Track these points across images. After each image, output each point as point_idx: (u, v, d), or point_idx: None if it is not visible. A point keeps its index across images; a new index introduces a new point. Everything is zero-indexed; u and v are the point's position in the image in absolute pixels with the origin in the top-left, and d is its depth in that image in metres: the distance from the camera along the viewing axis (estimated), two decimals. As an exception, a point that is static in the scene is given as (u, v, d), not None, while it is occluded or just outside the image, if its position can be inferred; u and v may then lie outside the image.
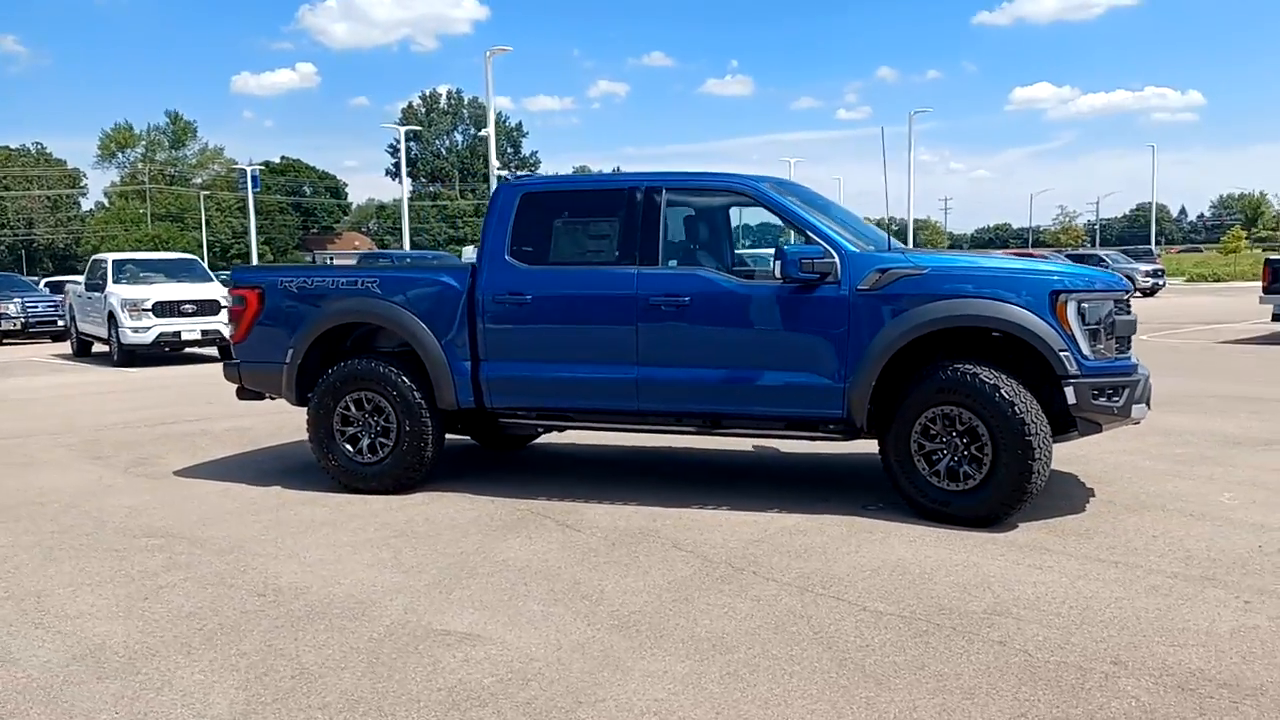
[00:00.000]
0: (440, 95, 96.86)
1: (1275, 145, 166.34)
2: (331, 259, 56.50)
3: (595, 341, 6.44)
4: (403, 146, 51.17)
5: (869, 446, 6.30)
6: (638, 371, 6.33)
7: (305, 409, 7.08)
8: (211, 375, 14.91)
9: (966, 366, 5.70)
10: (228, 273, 9.15)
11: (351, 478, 6.87)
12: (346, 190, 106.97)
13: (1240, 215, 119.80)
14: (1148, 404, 5.93)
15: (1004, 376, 5.64)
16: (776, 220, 6.42)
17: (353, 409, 6.91)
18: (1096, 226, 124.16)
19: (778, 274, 5.95)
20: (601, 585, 4.87)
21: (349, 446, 6.92)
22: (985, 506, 5.69)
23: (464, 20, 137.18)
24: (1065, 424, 5.81)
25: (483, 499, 6.64)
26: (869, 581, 4.83)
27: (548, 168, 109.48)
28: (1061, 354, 5.60)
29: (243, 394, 7.60)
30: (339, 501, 6.67)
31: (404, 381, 6.73)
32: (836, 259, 5.96)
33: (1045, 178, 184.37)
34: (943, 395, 5.76)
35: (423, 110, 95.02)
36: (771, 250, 7.13)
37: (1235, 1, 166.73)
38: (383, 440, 6.83)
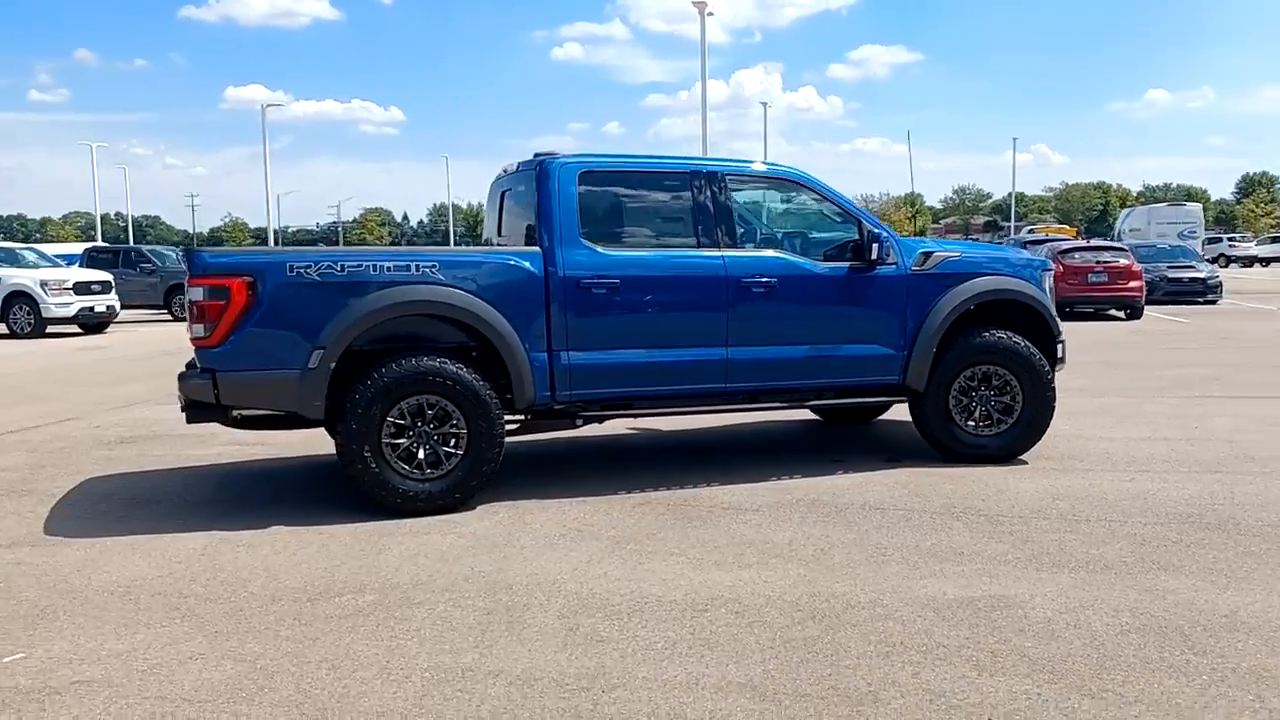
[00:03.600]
0: None
1: (466, 161, 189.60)
2: None
3: (688, 324, 6.39)
4: None
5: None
6: (727, 352, 6.45)
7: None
8: None
9: (998, 332, 6.96)
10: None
11: (408, 499, 5.82)
12: None
13: (463, 223, 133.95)
14: None
15: (1022, 339, 7.00)
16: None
17: (407, 418, 5.84)
18: (340, 227, 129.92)
19: (874, 256, 6.59)
20: (981, 548, 5.22)
21: (403, 463, 5.84)
22: (1018, 444, 7.01)
23: None
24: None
25: (574, 500, 6.15)
26: (1095, 506, 5.86)
27: None
28: (1054, 319, 7.16)
29: (199, 414, 5.84)
30: (428, 526, 5.66)
31: (477, 380, 5.92)
32: (892, 243, 6.80)
33: (270, 178, 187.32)
34: (981, 356, 6.93)
35: None
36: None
37: (429, 27, 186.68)
38: (448, 450, 5.91)
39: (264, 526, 5.71)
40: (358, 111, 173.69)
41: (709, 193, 6.45)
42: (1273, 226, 77.75)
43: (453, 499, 5.87)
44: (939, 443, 7.00)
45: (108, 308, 21.68)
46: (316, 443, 7.64)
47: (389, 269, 5.80)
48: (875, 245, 6.56)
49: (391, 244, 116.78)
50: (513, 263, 6.05)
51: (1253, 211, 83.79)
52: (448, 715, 3.36)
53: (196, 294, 5.59)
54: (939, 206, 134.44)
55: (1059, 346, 7.17)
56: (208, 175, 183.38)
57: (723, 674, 3.63)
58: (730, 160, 6.74)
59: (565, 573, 4.81)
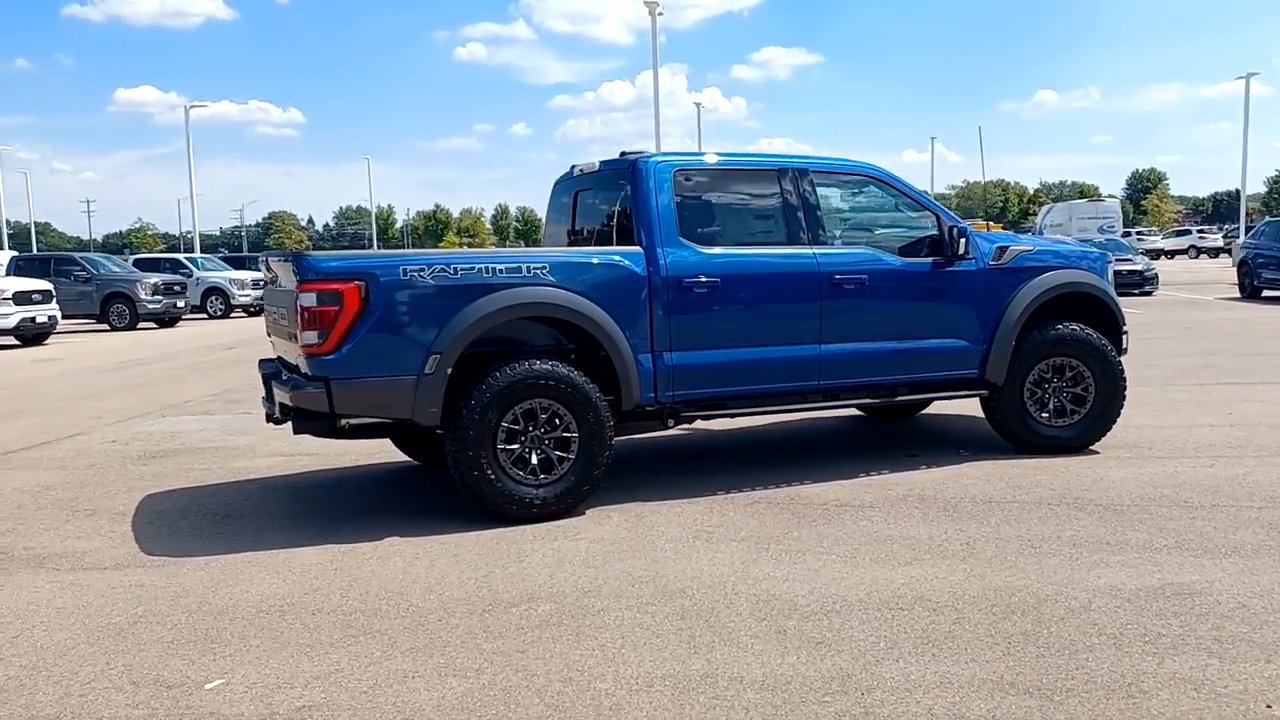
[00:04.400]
0: None
1: (366, 163, 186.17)
2: None
3: (784, 322, 6.38)
4: None
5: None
6: (820, 349, 6.45)
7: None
8: None
9: (1071, 324, 7.08)
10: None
11: (523, 505, 5.70)
12: None
13: (365, 225, 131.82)
14: None
15: (1093, 330, 7.15)
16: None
17: (521, 422, 5.72)
18: (244, 232, 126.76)
19: (960, 250, 6.66)
20: (1122, 537, 5.29)
21: (517, 469, 5.72)
22: (1090, 435, 7.15)
23: None
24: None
25: (680, 502, 6.09)
26: (1199, 493, 5.98)
27: None
28: (1119, 310, 7.32)
29: (306, 424, 5.64)
30: (548, 532, 5.55)
31: (589, 382, 5.83)
32: (971, 238, 6.87)
33: (161, 182, 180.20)
34: (1055, 348, 7.04)
35: None
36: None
37: (327, 28, 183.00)
38: (560, 454, 5.80)
39: (377, 538, 5.52)
40: (255, 113, 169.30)
41: (797, 189, 6.45)
42: (1176, 221, 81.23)
43: (566, 504, 5.77)
44: (1014, 435, 7.10)
45: (49, 318, 21.10)
46: (363, 453, 7.50)
47: (501, 271, 5.66)
48: (963, 240, 6.62)
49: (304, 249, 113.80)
50: (618, 262, 5.95)
51: (1157, 207, 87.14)
52: (720, 724, 3.28)
53: (309, 300, 5.38)
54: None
55: (1123, 337, 7.33)
56: (98, 180, 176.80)
57: (971, 672, 3.61)
58: (814, 157, 6.74)
59: (727, 574, 4.75)
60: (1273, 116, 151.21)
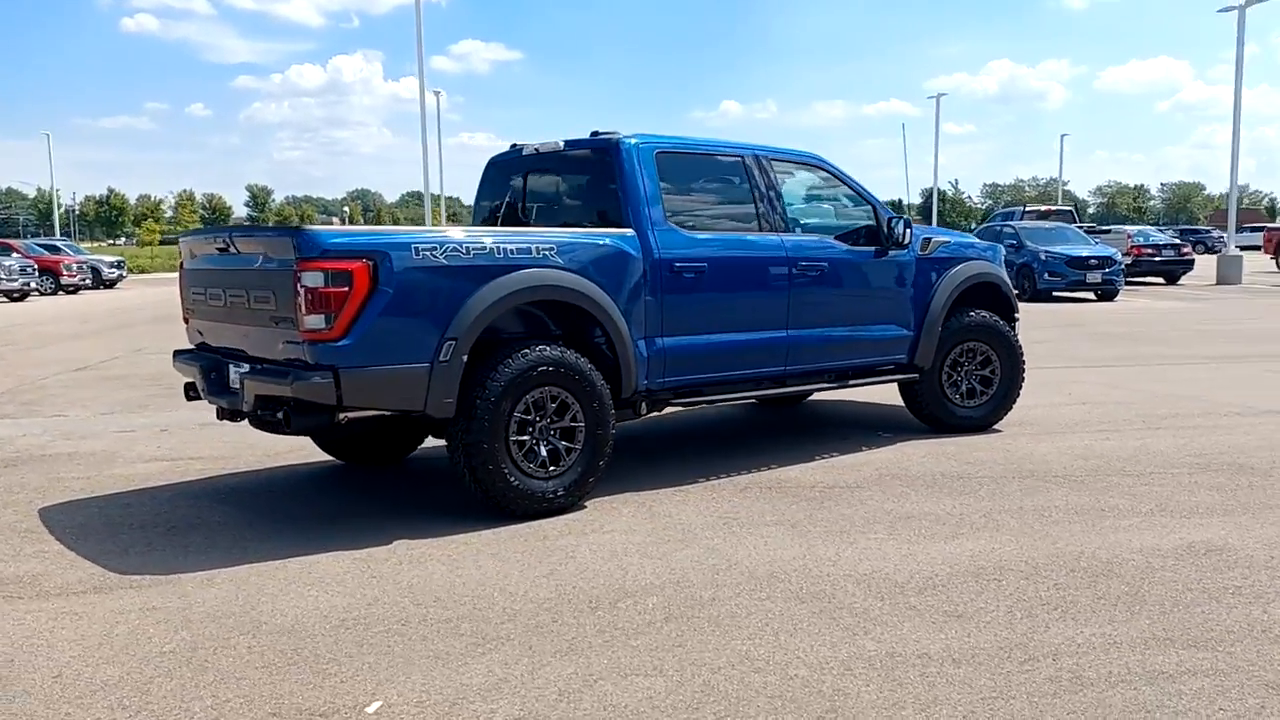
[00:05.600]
0: None
1: (20, 141, 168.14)
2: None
3: (761, 307, 6.44)
4: None
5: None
6: (787, 334, 6.59)
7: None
8: None
9: (982, 312, 7.63)
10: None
11: (534, 499, 5.43)
12: None
13: (31, 210, 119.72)
14: None
15: (999, 317, 7.73)
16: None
17: (531, 411, 5.46)
18: None
19: (905, 240, 6.99)
20: (1108, 504, 5.71)
21: (528, 462, 5.46)
22: (995, 414, 7.72)
23: None
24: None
25: (674, 490, 6.01)
26: (1129, 463, 6.61)
27: None
28: (1015, 299, 7.96)
29: (303, 419, 5.07)
30: (568, 526, 5.32)
31: (594, 369, 5.66)
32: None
33: None
34: (969, 334, 7.56)
35: None
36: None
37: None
38: (567, 444, 5.59)
39: (384, 543, 5.09)
40: None
41: (762, 175, 6.53)
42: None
43: (574, 497, 5.55)
44: (932, 416, 7.53)
45: None
46: (262, 453, 6.90)
47: (513, 251, 5.35)
48: (907, 231, 6.93)
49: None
50: (617, 245, 5.78)
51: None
52: (952, 699, 3.29)
53: (314, 280, 4.84)
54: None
55: (1017, 323, 7.95)
56: None
57: (1123, 632, 3.82)
58: (771, 147, 6.82)
59: (799, 558, 4.74)
60: (924, 136, 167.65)
